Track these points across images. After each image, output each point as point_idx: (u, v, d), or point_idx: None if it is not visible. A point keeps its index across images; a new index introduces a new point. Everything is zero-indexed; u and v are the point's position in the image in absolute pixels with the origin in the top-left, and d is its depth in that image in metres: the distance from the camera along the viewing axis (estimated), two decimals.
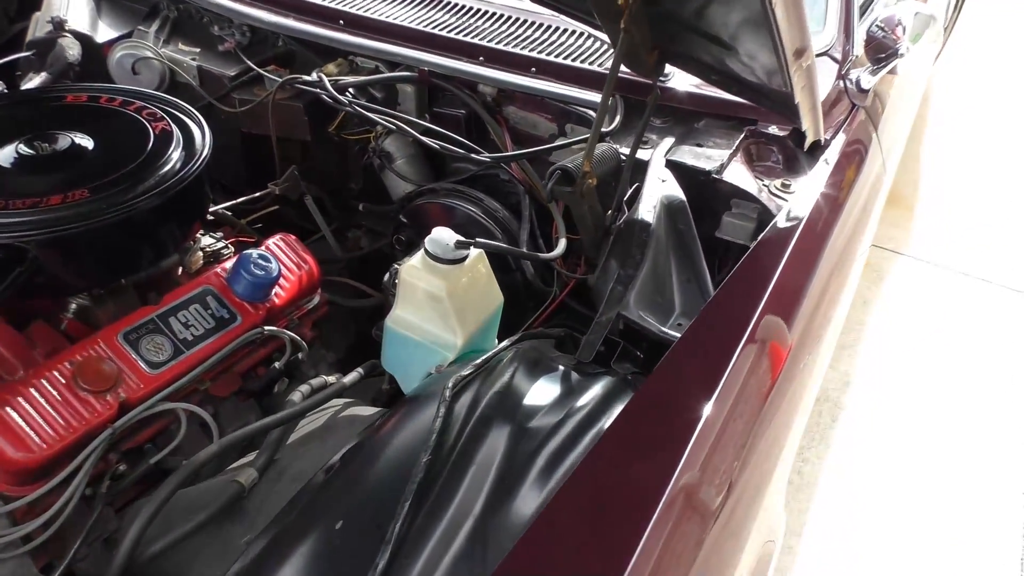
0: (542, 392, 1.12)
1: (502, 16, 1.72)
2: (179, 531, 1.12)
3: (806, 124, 1.32)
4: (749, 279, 1.18)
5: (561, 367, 1.20)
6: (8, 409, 1.13)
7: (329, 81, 1.59)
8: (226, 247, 1.53)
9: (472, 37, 1.64)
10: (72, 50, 1.73)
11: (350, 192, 1.90)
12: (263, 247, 1.51)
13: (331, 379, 1.46)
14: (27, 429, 1.13)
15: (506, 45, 1.62)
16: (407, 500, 0.94)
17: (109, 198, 1.26)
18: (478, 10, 1.74)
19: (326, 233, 1.85)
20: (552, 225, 1.52)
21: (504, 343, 1.25)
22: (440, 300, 1.26)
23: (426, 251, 1.28)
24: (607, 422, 1.06)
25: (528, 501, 0.96)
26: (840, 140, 1.55)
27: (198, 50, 1.80)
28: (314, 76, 1.61)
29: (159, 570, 1.13)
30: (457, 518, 0.94)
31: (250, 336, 1.40)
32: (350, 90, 1.62)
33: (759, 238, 1.27)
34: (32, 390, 1.16)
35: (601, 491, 0.89)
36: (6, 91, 1.60)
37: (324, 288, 1.66)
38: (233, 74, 1.72)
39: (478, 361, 1.18)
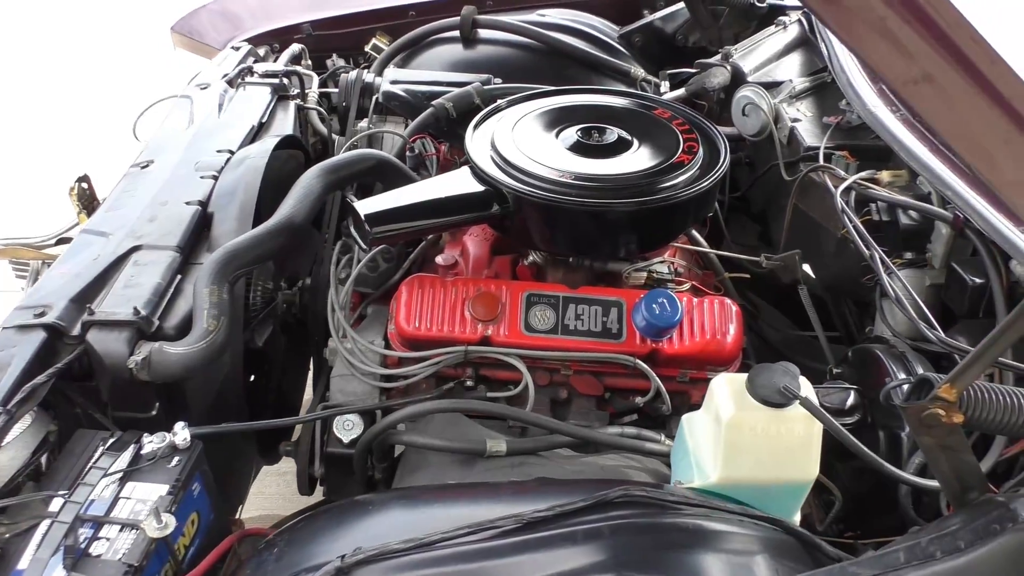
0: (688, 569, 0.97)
1: None
2: (424, 440, 1.35)
3: None
4: None
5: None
6: (417, 292, 1.50)
7: (859, 187, 1.44)
8: (671, 282, 1.60)
9: None
10: (715, 79, 1.94)
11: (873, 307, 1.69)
12: (698, 300, 1.53)
13: (659, 441, 1.45)
14: (417, 311, 1.48)
15: None
16: (470, 530, 0.98)
17: (583, 189, 1.48)
18: None
19: (817, 329, 1.71)
20: None
21: (737, 507, 1.07)
22: (718, 424, 1.13)
23: (748, 376, 1.15)
24: None
25: None
26: None
27: (810, 114, 1.80)
28: (851, 176, 1.47)
29: (408, 456, 1.40)
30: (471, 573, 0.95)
31: (619, 359, 1.48)
32: (878, 203, 1.44)
33: None
34: (441, 290, 1.51)
35: None
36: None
37: None
38: (807, 145, 1.69)
39: (681, 495, 1.06)
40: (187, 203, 1.57)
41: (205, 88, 2.01)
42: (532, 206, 1.50)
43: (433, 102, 1.86)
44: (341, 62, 2.41)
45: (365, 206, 1.45)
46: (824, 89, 1.89)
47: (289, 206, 1.50)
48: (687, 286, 1.62)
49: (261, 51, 2.33)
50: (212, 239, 1.55)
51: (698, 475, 1.17)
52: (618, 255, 1.59)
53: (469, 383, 1.53)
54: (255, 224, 1.54)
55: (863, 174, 1.50)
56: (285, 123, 1.95)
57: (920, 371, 1.28)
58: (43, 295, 1.37)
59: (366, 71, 2.08)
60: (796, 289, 1.75)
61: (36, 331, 1.29)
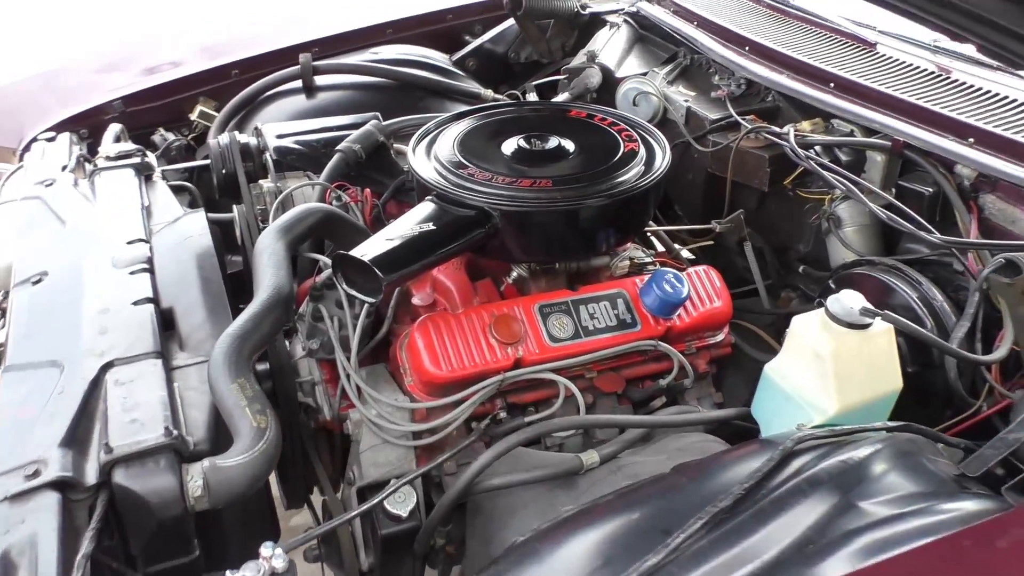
0: (895, 482, 1.01)
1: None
2: (517, 477, 1.26)
3: None
4: None
5: (934, 470, 1.05)
6: (434, 332, 1.40)
7: (796, 136, 1.61)
8: (652, 263, 1.65)
9: (965, 115, 1.51)
10: (594, 79, 2.04)
11: (796, 252, 1.87)
12: (683, 272, 1.59)
13: (704, 411, 1.48)
14: (442, 352, 1.38)
15: (1004, 129, 1.45)
16: (701, 519, 0.94)
17: (565, 191, 1.47)
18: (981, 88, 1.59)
19: (758, 283, 1.86)
20: None
21: (879, 424, 1.14)
22: (823, 359, 1.20)
23: (826, 308, 1.23)
24: None
25: (826, 573, 0.88)
26: None
27: (693, 94, 1.96)
28: (785, 129, 1.64)
29: (489, 504, 1.29)
30: (742, 556, 0.90)
31: (643, 345, 1.49)
32: (816, 148, 1.61)
33: None
34: (457, 325, 1.41)
35: None
36: (533, 99, 1.95)
37: (737, 333, 1.68)
38: (714, 118, 1.84)
39: (840, 428, 1.10)
40: (134, 303, 1.32)
41: (51, 184, 1.69)
42: (519, 219, 1.47)
43: (339, 147, 1.74)
44: (171, 135, 2.15)
45: (365, 255, 1.32)
46: (687, 72, 2.07)
47: (269, 276, 1.32)
48: (654, 261, 1.68)
49: (74, 138, 2.01)
50: (182, 336, 1.31)
51: (815, 413, 1.22)
52: (599, 251, 1.60)
53: (502, 415, 1.45)
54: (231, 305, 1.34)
55: (791, 125, 1.66)
56: (167, 200, 1.70)
57: (917, 277, 1.45)
58: (19, 453, 1.07)
59: (238, 133, 1.88)
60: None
61: (43, 493, 1.01)
